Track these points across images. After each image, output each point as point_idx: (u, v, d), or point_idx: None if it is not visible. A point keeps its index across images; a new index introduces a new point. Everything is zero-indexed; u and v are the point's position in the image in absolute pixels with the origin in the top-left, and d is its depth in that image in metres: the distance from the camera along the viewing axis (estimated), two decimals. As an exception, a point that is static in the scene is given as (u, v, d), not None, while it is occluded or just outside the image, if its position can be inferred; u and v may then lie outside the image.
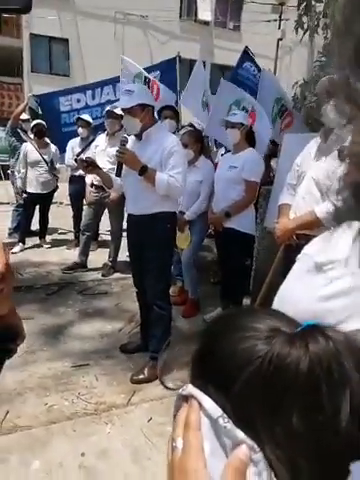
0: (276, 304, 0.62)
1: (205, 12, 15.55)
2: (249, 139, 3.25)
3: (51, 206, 5.73)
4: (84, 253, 4.66)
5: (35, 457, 1.94)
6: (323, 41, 4.67)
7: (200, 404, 0.44)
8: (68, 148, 5.27)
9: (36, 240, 5.58)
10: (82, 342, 3.05)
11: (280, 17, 14.19)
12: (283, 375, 0.40)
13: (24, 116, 5.76)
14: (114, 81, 5.49)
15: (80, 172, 5.13)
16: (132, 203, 2.68)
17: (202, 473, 0.41)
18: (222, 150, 4.78)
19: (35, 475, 1.84)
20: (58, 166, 5.46)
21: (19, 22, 13.77)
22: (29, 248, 5.37)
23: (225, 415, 0.42)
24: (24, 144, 5.35)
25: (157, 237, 2.56)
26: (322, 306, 0.52)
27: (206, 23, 15.89)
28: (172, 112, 4.04)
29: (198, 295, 3.75)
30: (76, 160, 5.04)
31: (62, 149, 5.44)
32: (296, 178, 2.41)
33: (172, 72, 4.94)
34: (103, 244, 5.40)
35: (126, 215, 2.88)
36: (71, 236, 5.76)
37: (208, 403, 0.44)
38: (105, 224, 5.06)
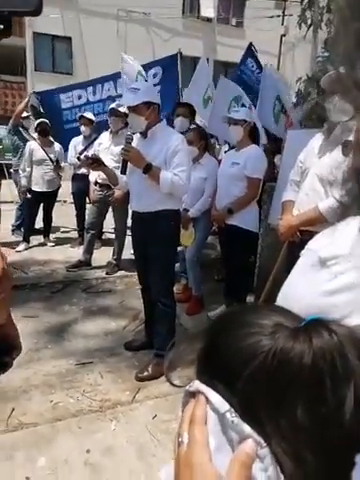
0: (280, 300, 0.61)
1: (208, 9, 15.48)
2: (252, 136, 3.24)
3: (55, 204, 5.74)
4: (88, 251, 4.67)
5: (41, 454, 1.95)
6: (327, 36, 4.63)
7: (207, 399, 0.45)
8: (71, 146, 5.28)
9: (40, 238, 5.60)
10: (86, 340, 3.06)
11: (283, 13, 14.14)
12: (287, 369, 0.41)
13: (24, 114, 5.74)
14: (115, 77, 5.48)
15: (83, 170, 5.15)
16: (136, 200, 2.68)
17: (207, 466, 0.42)
18: (225, 147, 4.77)
19: (41, 472, 1.85)
20: (62, 164, 5.46)
21: (22, 21, 13.77)
22: (33, 246, 5.38)
23: (232, 409, 0.42)
24: (29, 143, 5.35)
25: (161, 235, 2.56)
26: (326, 301, 0.52)
27: (209, 20, 15.82)
28: (186, 110, 3.96)
29: (202, 292, 3.75)
30: (79, 158, 5.09)
31: (65, 146, 5.45)
32: (299, 174, 2.39)
33: (173, 69, 4.92)
34: (107, 242, 5.41)
35: (130, 213, 2.87)
36: (75, 234, 5.77)
37: (215, 398, 0.44)
38: (109, 222, 5.07)
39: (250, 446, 0.40)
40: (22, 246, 5.21)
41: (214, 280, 4.31)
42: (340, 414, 0.39)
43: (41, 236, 5.62)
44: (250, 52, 4.98)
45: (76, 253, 4.93)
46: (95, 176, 4.47)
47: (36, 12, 0.57)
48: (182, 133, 3.08)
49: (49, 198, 5.46)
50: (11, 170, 5.55)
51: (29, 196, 5.33)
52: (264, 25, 13.99)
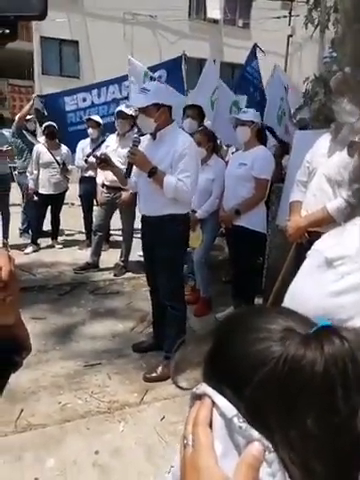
0: (287, 301, 0.61)
1: (214, 10, 15.47)
2: (259, 137, 3.24)
3: (62, 207, 5.78)
4: (96, 253, 4.69)
5: (49, 455, 1.96)
6: (334, 36, 4.62)
7: (214, 403, 0.45)
8: (78, 149, 5.30)
9: (48, 241, 5.63)
10: (94, 341, 3.08)
11: (290, 13, 14.10)
12: (298, 377, 0.40)
13: (28, 116, 5.74)
14: (120, 80, 5.49)
15: (90, 173, 5.17)
16: (143, 204, 2.67)
17: (214, 470, 0.41)
18: (233, 148, 4.77)
19: (50, 473, 1.86)
20: (69, 167, 5.49)
21: (29, 25, 13.89)
22: (41, 249, 5.42)
23: (240, 415, 0.42)
24: (36, 145, 5.39)
25: (168, 239, 2.53)
26: (333, 302, 0.52)
27: (215, 21, 15.81)
28: (195, 112, 3.95)
29: (210, 294, 3.75)
30: (86, 161, 5.11)
31: (71, 149, 5.48)
32: (307, 175, 2.38)
33: (178, 71, 4.92)
34: (115, 244, 5.43)
35: (138, 214, 2.86)
36: (83, 237, 5.80)
37: (222, 402, 0.44)
38: (116, 224, 5.08)
39: (257, 449, 0.40)
40: (30, 248, 5.24)
41: (222, 281, 4.30)
42: (351, 423, 0.39)
43: (49, 238, 5.66)
44: (255, 54, 4.98)
45: (84, 255, 4.96)
46: (102, 178, 4.49)
47: (41, 16, 0.57)
48: (190, 135, 3.06)
49: (56, 201, 5.49)
50: (15, 172, 5.57)
51: (36, 199, 5.36)
52: (271, 26, 13.95)
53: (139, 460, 1.96)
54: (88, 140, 5.23)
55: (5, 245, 5.08)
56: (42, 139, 5.58)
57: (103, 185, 4.51)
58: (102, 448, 2.01)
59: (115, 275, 4.51)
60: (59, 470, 1.88)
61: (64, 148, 5.46)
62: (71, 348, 2.97)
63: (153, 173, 2.44)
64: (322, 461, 0.39)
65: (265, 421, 0.41)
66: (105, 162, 2.70)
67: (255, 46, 5.00)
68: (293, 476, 0.39)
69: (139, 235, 4.75)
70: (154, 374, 2.61)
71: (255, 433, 0.41)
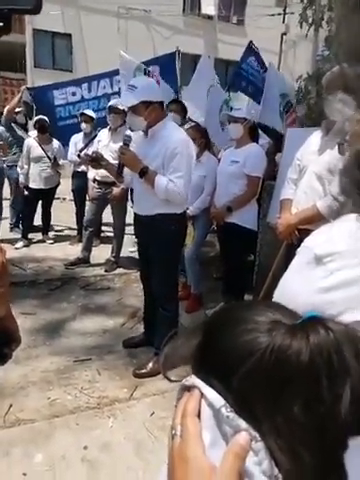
0: (276, 297, 0.62)
1: (209, 6, 15.42)
2: (252, 134, 3.24)
3: (54, 202, 5.73)
4: (87, 249, 4.66)
5: (38, 450, 1.95)
6: (327, 34, 4.63)
7: (202, 394, 0.45)
8: (71, 143, 5.25)
9: (39, 236, 5.59)
10: (84, 337, 3.07)
11: (284, 11, 14.11)
12: (284, 366, 0.41)
13: (17, 109, 5.62)
14: (111, 74, 5.43)
15: (83, 168, 5.13)
16: (136, 203, 2.63)
17: (202, 459, 0.42)
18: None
19: (38, 468, 1.86)
20: (61, 162, 5.44)
21: (22, 17, 13.71)
22: (32, 243, 5.38)
23: (227, 405, 0.43)
24: (27, 139, 5.33)
25: (161, 239, 2.47)
26: (322, 298, 0.52)
27: (210, 17, 15.77)
28: (179, 107, 3.98)
29: (201, 290, 3.76)
30: (79, 156, 5.07)
31: (61, 143, 5.40)
32: (297, 173, 2.39)
33: (171, 67, 4.90)
34: (106, 240, 5.41)
35: (130, 210, 2.84)
36: (74, 232, 5.77)
37: (210, 393, 0.44)
38: (108, 219, 5.06)
39: (244, 438, 0.41)
40: (21, 243, 5.20)
41: (213, 278, 4.31)
42: (336, 411, 0.39)
43: (40, 233, 5.61)
44: (251, 50, 4.97)
45: (75, 250, 4.93)
46: (94, 173, 4.47)
47: (36, 10, 0.57)
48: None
49: (47, 195, 5.44)
50: (4, 165, 5.49)
51: (26, 193, 5.30)
52: (265, 23, 13.96)
53: (128, 455, 1.96)
54: (81, 134, 5.19)
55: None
56: (33, 133, 5.51)
57: (94, 180, 4.49)
58: (91, 443, 2.01)
59: (106, 271, 4.50)
60: (47, 465, 1.87)
61: (56, 142, 5.40)
62: (61, 343, 2.96)
63: (144, 173, 2.37)
64: (308, 447, 0.40)
65: (252, 411, 0.42)
66: (96, 161, 2.66)
67: (251, 43, 4.99)
68: (280, 464, 0.40)
69: (131, 231, 4.80)
70: (144, 370, 2.61)
71: (242, 423, 0.41)
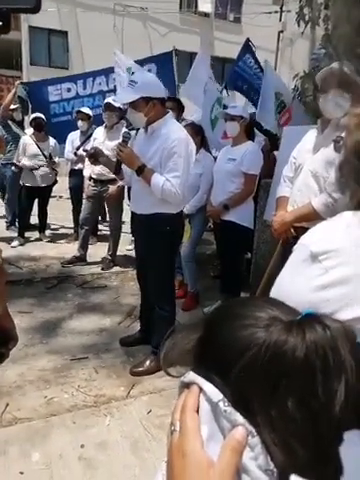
0: (273, 295, 0.62)
1: (205, 4, 15.41)
2: (248, 132, 3.24)
3: (50, 200, 5.71)
4: (83, 247, 4.65)
5: (35, 449, 1.95)
6: (324, 33, 4.63)
7: (201, 389, 0.46)
8: (68, 141, 5.23)
9: (35, 234, 5.58)
10: (81, 335, 3.06)
11: (281, 9, 14.09)
12: (280, 361, 0.42)
13: (12, 106, 5.54)
14: (107, 71, 5.39)
15: (79, 166, 5.11)
16: (133, 201, 2.60)
17: (200, 453, 0.43)
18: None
19: (35, 467, 1.85)
20: (57, 160, 5.42)
21: (18, 14, 13.65)
22: (28, 242, 5.36)
23: (225, 399, 0.43)
24: (23, 137, 5.31)
25: (155, 239, 2.45)
26: (317, 295, 0.52)
27: (206, 15, 15.75)
28: (175, 104, 3.96)
29: (197, 288, 3.76)
30: (75, 154, 5.06)
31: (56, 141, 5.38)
32: (293, 170, 2.39)
33: (168, 66, 4.87)
34: (102, 238, 5.40)
35: (126, 208, 2.82)
36: (70, 230, 5.75)
37: (208, 387, 0.45)
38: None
39: (241, 433, 0.41)
40: (17, 242, 5.18)
41: (210, 276, 4.31)
42: (330, 406, 0.40)
43: (36, 231, 5.60)
44: (248, 48, 4.96)
45: (71, 249, 4.92)
46: (89, 171, 4.45)
47: (35, 9, 0.56)
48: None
49: (43, 193, 5.42)
50: None
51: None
52: (262, 21, 13.96)
53: (125, 453, 1.96)
54: (78, 132, 5.16)
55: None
56: (29, 131, 5.48)
57: (90, 178, 4.48)
58: (88, 442, 2.01)
59: (103, 269, 4.49)
60: (44, 464, 1.87)
61: (52, 140, 5.38)
62: (58, 342, 2.95)
63: (141, 171, 2.35)
64: (302, 442, 0.41)
65: (249, 405, 0.42)
66: (94, 157, 2.65)
67: (248, 41, 4.98)
68: (275, 458, 0.41)
69: (127, 229, 4.80)
70: (141, 368, 2.61)
71: (240, 417, 0.42)
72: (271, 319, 0.45)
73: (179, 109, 3.94)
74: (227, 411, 0.43)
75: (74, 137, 5.19)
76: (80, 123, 5.06)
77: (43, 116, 5.24)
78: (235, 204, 3.13)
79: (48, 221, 5.74)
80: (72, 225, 5.63)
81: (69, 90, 5.65)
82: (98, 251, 4.91)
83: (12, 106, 5.50)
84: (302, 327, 0.43)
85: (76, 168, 5.22)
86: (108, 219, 5.05)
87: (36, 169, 5.14)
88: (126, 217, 4.24)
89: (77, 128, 5.14)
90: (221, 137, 4.14)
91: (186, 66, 6.12)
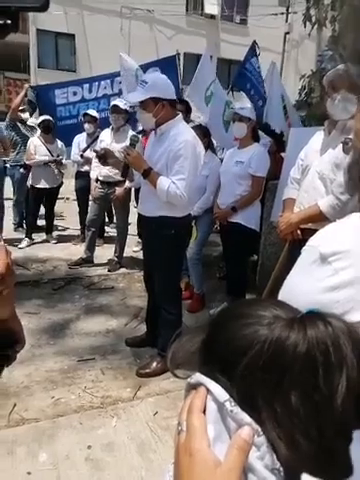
0: (281, 296, 0.62)
1: (211, 6, 15.43)
2: (254, 135, 3.24)
3: (57, 202, 5.74)
4: (90, 249, 4.67)
5: (42, 449, 1.96)
6: (331, 34, 4.63)
7: (207, 389, 0.47)
8: (74, 144, 5.26)
9: (42, 235, 5.61)
10: (88, 337, 3.07)
11: (287, 10, 14.08)
12: (282, 357, 0.43)
13: (21, 107, 5.60)
14: (112, 76, 5.44)
15: (86, 168, 5.13)
16: (141, 203, 2.60)
17: (206, 453, 0.43)
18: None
19: (42, 467, 1.86)
20: (64, 161, 5.45)
21: (25, 17, 13.76)
22: (35, 243, 5.40)
23: (231, 399, 0.44)
24: (31, 138, 5.35)
25: (161, 242, 2.45)
26: (327, 297, 0.52)
27: (213, 17, 15.77)
28: (182, 106, 3.95)
29: (204, 290, 3.75)
30: (82, 156, 5.08)
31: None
32: (300, 172, 2.38)
33: (172, 70, 4.87)
34: (109, 240, 5.42)
35: (133, 210, 2.83)
36: (77, 232, 5.78)
37: (215, 388, 0.46)
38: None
39: (247, 432, 0.42)
40: (24, 243, 5.21)
41: (216, 278, 4.31)
42: (332, 401, 0.41)
43: (43, 233, 5.63)
44: (254, 50, 4.96)
45: (78, 250, 4.94)
46: (96, 173, 4.47)
47: (43, 8, 0.56)
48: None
49: (51, 195, 5.46)
50: (7, 165, 5.48)
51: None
52: (268, 23, 13.95)
53: (132, 455, 1.96)
54: (84, 135, 5.19)
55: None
56: (38, 133, 5.52)
57: (97, 180, 4.49)
58: (94, 443, 2.02)
59: (109, 270, 4.50)
60: (51, 464, 1.88)
61: (59, 142, 5.42)
62: (65, 343, 2.97)
63: (147, 174, 2.35)
64: (306, 436, 0.41)
65: (253, 402, 0.43)
66: (103, 158, 2.65)
67: (254, 43, 4.98)
68: (280, 453, 0.42)
69: (134, 231, 4.81)
70: (147, 370, 2.61)
71: (246, 417, 0.43)
72: (274, 317, 0.46)
73: (186, 111, 3.96)
74: (233, 411, 0.43)
75: (80, 139, 5.22)
76: (86, 126, 5.08)
77: (51, 118, 5.28)
78: (243, 206, 3.12)
79: (55, 223, 5.77)
80: (79, 227, 5.66)
81: (75, 94, 5.72)
82: (105, 253, 4.92)
83: (20, 107, 5.55)
84: (304, 323, 0.44)
85: (82, 170, 5.24)
86: (115, 221, 5.07)
87: (47, 164, 5.18)
88: (132, 219, 4.25)
89: (82, 131, 5.17)
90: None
91: (193, 68, 6.13)
